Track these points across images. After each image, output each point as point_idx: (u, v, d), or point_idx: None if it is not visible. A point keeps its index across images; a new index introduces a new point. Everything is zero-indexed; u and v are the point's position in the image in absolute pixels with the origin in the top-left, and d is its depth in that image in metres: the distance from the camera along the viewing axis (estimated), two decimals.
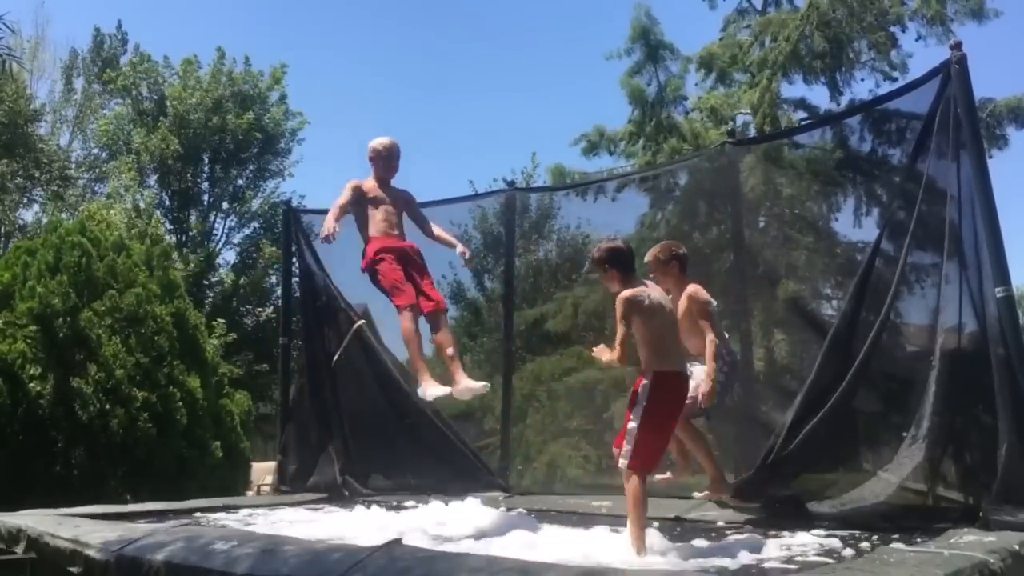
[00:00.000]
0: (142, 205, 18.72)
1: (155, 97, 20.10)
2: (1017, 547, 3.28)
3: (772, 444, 4.93)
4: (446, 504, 5.24)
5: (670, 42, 11.78)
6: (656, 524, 4.40)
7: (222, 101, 19.52)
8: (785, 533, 4.21)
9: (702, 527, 4.79)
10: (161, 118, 19.38)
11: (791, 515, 4.62)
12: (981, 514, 3.86)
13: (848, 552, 3.77)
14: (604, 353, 4.04)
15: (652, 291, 4.09)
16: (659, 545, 3.93)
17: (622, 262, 4.07)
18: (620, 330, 3.89)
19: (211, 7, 40.37)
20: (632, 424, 3.91)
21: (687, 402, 4.36)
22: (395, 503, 6.12)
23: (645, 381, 3.95)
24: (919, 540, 3.70)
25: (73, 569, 3.58)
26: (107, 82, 21.21)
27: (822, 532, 4.22)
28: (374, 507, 5.73)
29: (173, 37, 40.85)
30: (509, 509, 5.31)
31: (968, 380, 4.22)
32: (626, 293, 3.94)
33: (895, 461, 4.31)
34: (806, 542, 4.02)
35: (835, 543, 3.97)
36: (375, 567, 2.80)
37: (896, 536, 3.96)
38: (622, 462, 3.88)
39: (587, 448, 9.09)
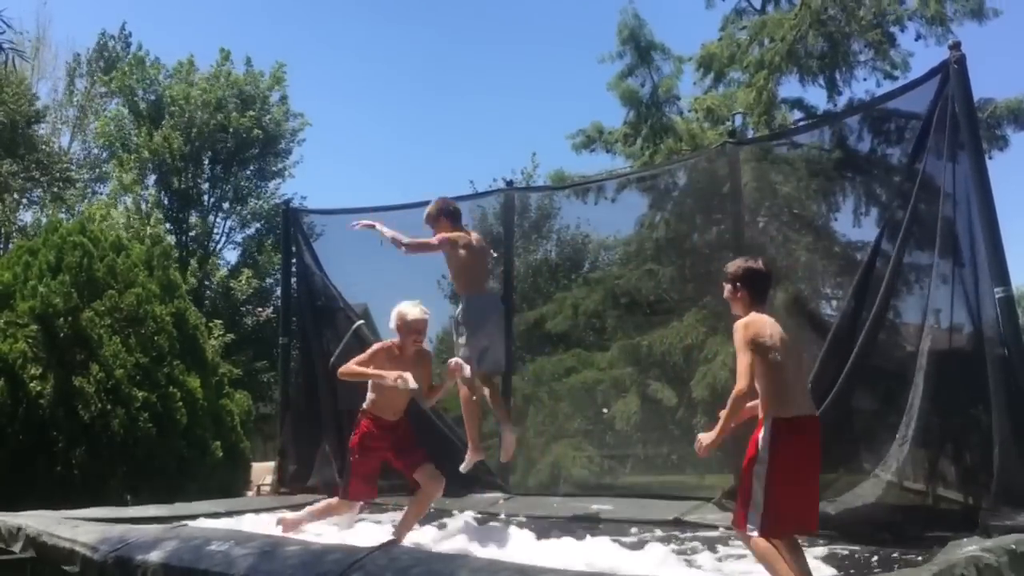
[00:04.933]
0: (144, 207, 18.72)
1: (151, 98, 20.10)
2: (1013, 544, 3.27)
3: None
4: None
5: (660, 42, 11.76)
6: (656, 528, 4.42)
7: (223, 101, 19.55)
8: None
9: (701, 530, 4.80)
10: (167, 118, 19.37)
11: None
12: (980, 519, 3.84)
13: (847, 558, 3.76)
14: (710, 436, 3.47)
15: (775, 327, 3.55)
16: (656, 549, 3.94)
17: (756, 285, 3.59)
18: (743, 360, 3.35)
19: (212, 7, 40.43)
20: (756, 485, 3.29)
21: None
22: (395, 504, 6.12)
23: (763, 432, 3.37)
24: (916, 553, 3.69)
25: (70, 568, 3.57)
26: (107, 82, 21.26)
27: (821, 535, 4.21)
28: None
29: (175, 37, 40.94)
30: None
31: (963, 381, 4.21)
32: (746, 320, 3.47)
33: (886, 462, 4.30)
34: (805, 546, 4.01)
35: (835, 547, 3.96)
36: (374, 568, 2.80)
37: (896, 549, 3.95)
38: (751, 530, 3.27)
39: (588, 449, 9.08)
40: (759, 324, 3.44)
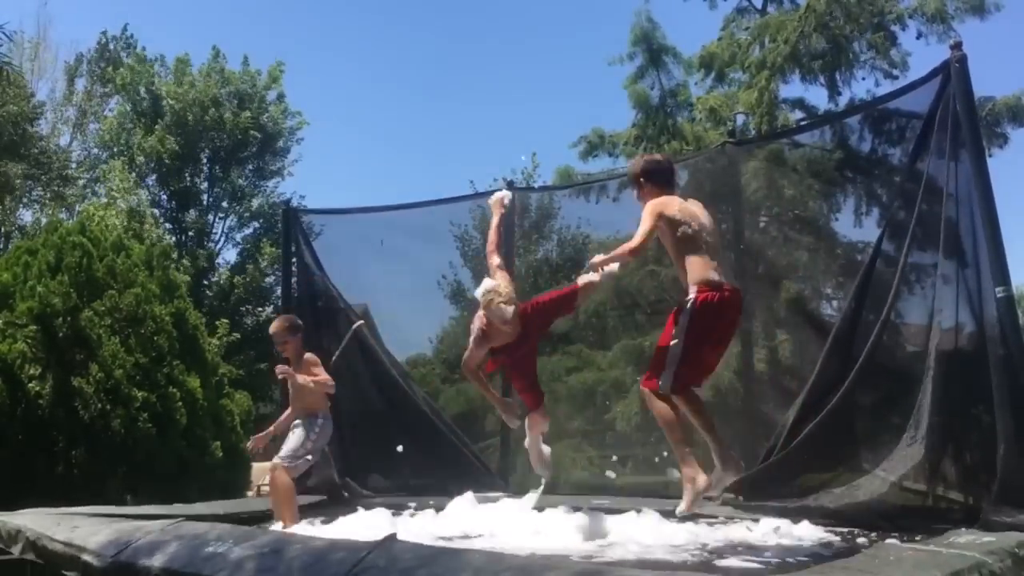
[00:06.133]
0: (135, 204, 18.60)
1: (151, 97, 20.07)
2: (1016, 548, 3.26)
3: (773, 444, 4.95)
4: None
5: (672, 46, 11.77)
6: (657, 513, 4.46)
7: (219, 100, 19.49)
8: (783, 529, 4.20)
9: (702, 520, 4.79)
10: (159, 119, 19.33)
11: (790, 511, 4.62)
12: (981, 515, 3.85)
13: (846, 549, 3.76)
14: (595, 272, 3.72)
15: (687, 206, 3.69)
16: (657, 534, 3.96)
17: (657, 176, 3.71)
18: (642, 226, 3.49)
19: (212, 7, 40.43)
20: (676, 340, 3.49)
21: None
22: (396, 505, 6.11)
23: (689, 295, 3.53)
24: (917, 539, 3.69)
25: (70, 574, 3.55)
26: (108, 81, 21.22)
27: (820, 528, 4.22)
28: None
29: (175, 37, 40.94)
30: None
31: (967, 380, 4.21)
32: (655, 200, 3.63)
33: (892, 460, 4.31)
34: (803, 537, 4.01)
35: (833, 539, 3.97)
36: (376, 568, 2.78)
37: (895, 535, 3.96)
38: (663, 384, 3.50)
39: (589, 449, 9.07)
40: (666, 200, 3.62)
